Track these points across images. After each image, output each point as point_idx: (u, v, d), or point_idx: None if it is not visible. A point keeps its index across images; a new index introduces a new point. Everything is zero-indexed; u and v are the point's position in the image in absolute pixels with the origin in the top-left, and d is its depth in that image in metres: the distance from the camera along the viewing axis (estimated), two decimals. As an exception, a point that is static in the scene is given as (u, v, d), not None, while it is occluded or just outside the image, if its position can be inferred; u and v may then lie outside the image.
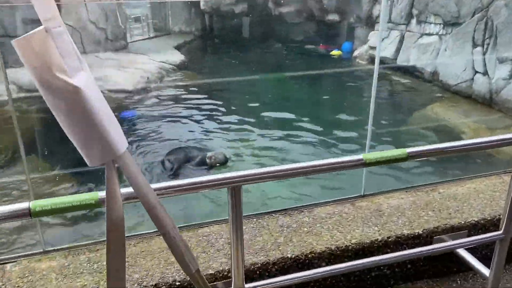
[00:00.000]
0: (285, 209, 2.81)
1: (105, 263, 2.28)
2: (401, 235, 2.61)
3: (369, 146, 3.12)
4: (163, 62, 10.75)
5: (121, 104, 8.64)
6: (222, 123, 7.86)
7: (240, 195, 1.69)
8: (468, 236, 2.77)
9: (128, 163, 1.18)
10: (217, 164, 6.32)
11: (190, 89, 9.71)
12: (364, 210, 2.83)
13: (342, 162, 1.77)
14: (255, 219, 2.71)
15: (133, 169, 1.19)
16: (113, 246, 1.27)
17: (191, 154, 6.94)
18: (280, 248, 2.45)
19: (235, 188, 1.67)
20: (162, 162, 6.66)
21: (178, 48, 14.02)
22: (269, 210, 2.76)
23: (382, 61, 12.36)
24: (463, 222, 2.73)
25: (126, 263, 2.30)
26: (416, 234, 2.63)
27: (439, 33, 10.40)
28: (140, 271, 2.26)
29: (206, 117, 8.24)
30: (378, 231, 2.62)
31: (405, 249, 2.63)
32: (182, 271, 2.26)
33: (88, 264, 2.31)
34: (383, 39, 12.60)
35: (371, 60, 12.79)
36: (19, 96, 8.82)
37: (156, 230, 2.57)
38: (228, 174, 1.66)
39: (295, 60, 13.31)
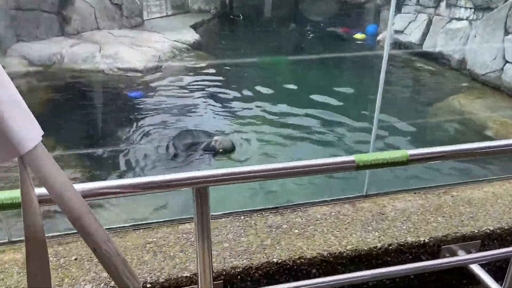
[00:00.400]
0: (276, 207, 2.59)
1: (73, 257, 2.12)
2: (404, 242, 2.36)
3: (374, 141, 2.84)
4: (176, 41, 10.53)
5: (129, 84, 8.50)
6: (232, 107, 7.62)
7: (206, 197, 1.47)
8: (482, 246, 2.50)
9: (40, 162, 0.96)
10: (221, 150, 6.11)
11: (201, 70, 9.47)
12: (365, 212, 2.58)
13: (329, 164, 1.52)
14: (242, 217, 2.51)
15: (47, 169, 0.98)
16: (33, 253, 1.08)
17: (198, 138, 6.76)
18: (265, 251, 2.24)
19: (200, 189, 1.45)
20: (167, 146, 6.51)
21: (194, 27, 13.75)
22: (258, 208, 2.55)
23: (407, 46, 11.84)
24: (476, 231, 2.46)
25: (96, 259, 2.14)
26: (422, 242, 2.38)
27: (470, 18, 9.83)
28: (108, 270, 2.09)
29: (216, 99, 8.01)
30: (379, 237, 2.38)
31: (407, 258, 2.39)
32: (155, 272, 2.08)
33: (55, 259, 2.15)
34: (409, 22, 12.05)
35: (395, 44, 12.27)
36: (29, 71, 8.78)
37: (135, 223, 2.40)
38: (193, 173, 1.44)
39: (314, 43, 12.89)
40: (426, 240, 2.39)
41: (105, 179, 4.99)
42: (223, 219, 2.49)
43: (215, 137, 6.50)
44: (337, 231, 2.41)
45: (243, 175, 1.48)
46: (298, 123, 6.85)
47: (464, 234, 2.44)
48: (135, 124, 6.90)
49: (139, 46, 9.68)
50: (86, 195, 1.34)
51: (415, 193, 2.78)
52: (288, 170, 1.49)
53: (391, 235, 2.40)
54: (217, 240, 2.31)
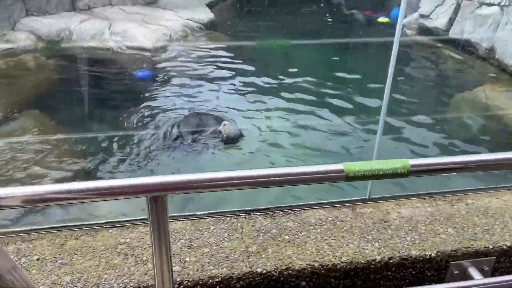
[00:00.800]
0: (267, 208, 2.37)
1: (35, 257, 1.96)
2: (407, 256, 2.13)
3: (379, 147, 2.58)
4: (189, 19, 10.25)
5: (137, 63, 8.31)
6: (245, 91, 7.35)
7: (163, 206, 1.26)
8: (496, 263, 2.25)
9: None
10: (225, 136, 5.87)
11: (214, 51, 9.19)
12: (365, 218, 2.35)
13: (309, 173, 1.29)
14: (228, 218, 2.30)
15: None
16: None
17: (207, 122, 6.54)
18: (249, 259, 2.04)
19: (156, 198, 1.24)
20: (171, 129, 6.33)
21: (210, 5, 13.41)
22: (246, 208, 2.33)
23: (432, 32, 11.31)
24: (491, 247, 2.20)
25: (60, 260, 1.97)
26: (428, 257, 2.14)
27: (501, 4, 9.27)
28: (73, 272, 1.92)
29: (229, 83, 7.76)
30: (379, 248, 2.15)
31: (410, 274, 2.15)
32: (124, 278, 1.91)
33: (16, 257, 1.99)
34: (436, 6, 11.50)
35: (420, 30, 11.74)
36: (36, 46, 8.67)
37: (107, 221, 2.22)
38: (147, 180, 1.23)
39: (332, 26, 12.44)
40: (433, 255, 2.14)
41: (95, 169, 4.84)
42: (207, 219, 2.29)
43: (224, 122, 6.27)
44: (332, 239, 2.19)
45: (207, 183, 1.27)
46: (313, 112, 6.55)
47: (477, 249, 2.19)
48: (140, 106, 6.73)
49: (150, 24, 9.45)
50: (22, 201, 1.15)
51: (424, 198, 2.53)
52: (260, 180, 1.26)
53: (393, 246, 2.16)
54: (197, 244, 2.11)
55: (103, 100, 7.06)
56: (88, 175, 4.76)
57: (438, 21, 11.04)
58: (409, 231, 2.26)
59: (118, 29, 9.00)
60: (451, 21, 10.79)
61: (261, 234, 2.19)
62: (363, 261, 2.08)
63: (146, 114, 6.49)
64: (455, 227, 2.31)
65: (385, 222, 2.32)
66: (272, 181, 1.28)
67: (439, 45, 10.62)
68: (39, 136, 5.45)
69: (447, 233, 2.27)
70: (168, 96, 7.29)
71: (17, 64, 8.16)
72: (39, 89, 7.07)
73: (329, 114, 6.38)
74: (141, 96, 7.18)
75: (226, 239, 2.15)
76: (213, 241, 2.13)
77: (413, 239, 2.22)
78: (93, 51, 8.72)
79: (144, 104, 6.80)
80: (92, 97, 7.07)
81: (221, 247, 2.11)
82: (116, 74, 8.06)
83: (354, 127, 5.96)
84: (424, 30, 11.60)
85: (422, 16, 11.92)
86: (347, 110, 6.54)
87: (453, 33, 10.45)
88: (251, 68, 8.28)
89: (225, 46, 9.70)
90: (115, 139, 5.60)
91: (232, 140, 5.89)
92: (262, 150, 5.57)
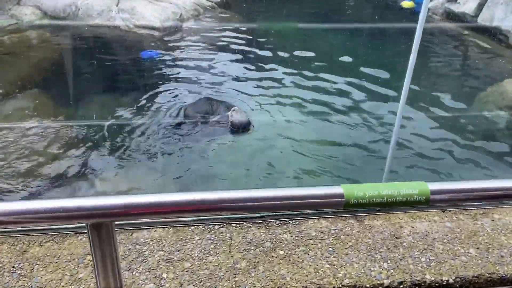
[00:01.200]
0: (262, 217, 2.11)
1: (-7, 266, 1.74)
2: (421, 281, 1.86)
3: (392, 158, 2.28)
4: (202, -3, 9.89)
5: (144, 42, 8.03)
6: (260, 77, 7.00)
7: (109, 234, 1.01)
8: (525, 292, 1.97)
9: None
10: (232, 121, 5.58)
11: (226, 32, 8.84)
12: (374, 232, 2.07)
13: (300, 197, 1.03)
14: (216, 227, 2.05)
15: None
16: None
17: (215, 108, 6.26)
18: (236, 278, 1.79)
19: (99, 225, 0.99)
20: (177, 114, 6.08)
21: (225, -17, 12.98)
22: (237, 216, 2.08)
23: (460, 17, 10.76)
24: (520, 274, 1.91)
25: (19, 271, 1.75)
26: (445, 283, 1.87)
27: (538, -12, 8.68)
28: (32, 285, 1.70)
29: (241, 66, 7.42)
30: (388, 270, 1.88)
31: (423, 302, 1.88)
32: (90, 294, 1.68)
33: (-29, 266, 1.78)
34: (465, -9, 10.90)
35: (447, 15, 11.18)
36: (42, 22, 8.46)
37: (77, 225, 1.99)
38: (89, 201, 0.98)
39: (352, 9, 11.93)
40: (451, 280, 1.87)
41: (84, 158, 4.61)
42: (192, 227, 2.05)
43: (233, 108, 5.98)
44: (334, 257, 1.92)
45: (170, 207, 1.01)
46: (328, 101, 6.19)
47: (503, 276, 1.90)
48: (144, 88, 6.48)
49: (160, 1, 9.12)
50: None
51: (443, 211, 2.23)
52: (229, 204, 1.00)
53: (405, 269, 1.89)
54: (177, 257, 1.87)
55: (106, 80, 6.83)
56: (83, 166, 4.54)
57: (466, 6, 10.48)
58: (424, 251, 1.98)
59: (126, 6, 8.71)
60: (480, 7, 10.22)
61: (252, 248, 1.94)
62: (368, 285, 1.82)
63: (150, 96, 6.24)
64: (478, 248, 2.02)
65: (396, 238, 2.05)
66: (240, 207, 1.01)
67: (466, 32, 10.08)
68: (34, 118, 5.25)
69: (469, 254, 1.99)
70: (174, 78, 7.01)
71: (21, 40, 7.97)
72: (40, 68, 6.86)
73: (344, 103, 6.03)
74: (147, 77, 6.92)
75: (211, 252, 1.91)
76: (196, 254, 1.89)
77: (428, 260, 1.94)
78: (100, 29, 8.46)
79: (149, 86, 6.54)
80: (95, 78, 6.83)
81: (205, 262, 1.86)
82: (122, 53, 7.80)
83: (369, 120, 5.61)
84: (450, 16, 11.04)
85: (449, 0, 11.35)
86: (363, 100, 6.17)
87: (482, 20, 9.89)
88: (266, 52, 7.92)
89: (238, 27, 9.33)
90: (114, 127, 5.37)
91: (240, 128, 5.61)
92: (271, 141, 5.26)
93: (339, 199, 1.03)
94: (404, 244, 2.01)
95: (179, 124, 5.63)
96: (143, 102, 6.08)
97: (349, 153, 4.99)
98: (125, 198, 0.98)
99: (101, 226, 0.98)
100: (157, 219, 1.04)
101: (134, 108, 5.87)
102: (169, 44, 8.09)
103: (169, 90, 6.58)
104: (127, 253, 1.87)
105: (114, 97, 6.32)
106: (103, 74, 7.20)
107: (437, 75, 7.36)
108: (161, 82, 6.78)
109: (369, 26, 9.78)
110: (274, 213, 2.13)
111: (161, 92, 6.52)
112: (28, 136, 4.97)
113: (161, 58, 7.73)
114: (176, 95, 6.53)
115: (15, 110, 5.76)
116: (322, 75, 7.01)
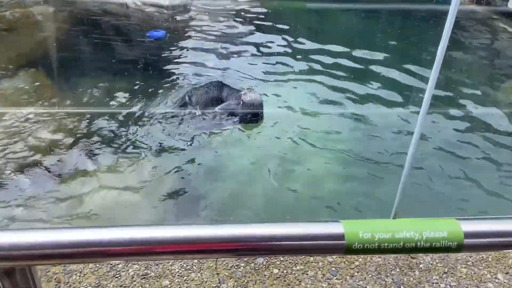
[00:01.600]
0: (256, 227, 1.86)
1: None
2: (438, 312, 1.60)
3: (409, 168, 2.00)
4: (213, -26, 9.51)
5: (152, 21, 7.75)
6: (275, 61, 6.66)
7: (27, 281, 0.77)
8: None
9: None
10: (243, 103, 5.24)
11: (241, 12, 8.50)
12: (386, 251, 1.81)
13: (288, 238, 0.78)
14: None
15: None
16: None
17: (225, 93, 5.96)
18: (221, 302, 1.56)
19: (9, 272, 0.75)
20: (182, 99, 5.82)
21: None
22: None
23: (489, 1, 10.22)
24: (558, 307, 1.64)
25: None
26: (466, 315, 1.61)
27: None
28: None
29: (252, 49, 7.11)
30: (400, 297, 1.63)
31: (440, 336, 1.63)
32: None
33: None
34: (496, -28, 10.31)
35: (475, -1, 10.63)
36: (47, -2, 8.22)
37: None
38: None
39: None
40: (475, 313, 1.61)
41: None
42: (176, 236, 1.81)
43: (249, 87, 5.67)
44: (337, 279, 1.67)
45: (106, 247, 0.76)
46: (346, 89, 5.84)
47: (538, 309, 1.63)
48: (150, 70, 6.23)
49: (170, -22, 8.80)
50: None
51: (468, 226, 1.95)
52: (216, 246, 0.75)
53: (420, 296, 1.63)
54: (155, 273, 1.64)
55: (111, 61, 6.59)
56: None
57: (497, -11, 9.92)
58: (444, 275, 1.72)
59: (135, -18, 8.41)
60: (512, -10, 9.67)
61: (242, 264, 1.70)
62: (376, 316, 1.57)
63: (156, 79, 5.99)
64: (507, 273, 1.75)
65: (412, 258, 1.78)
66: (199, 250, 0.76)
67: (495, 17, 9.57)
68: (33, 100, 5.05)
69: (496, 281, 1.72)
70: (181, 60, 6.74)
71: (24, 17, 7.76)
72: (40, 46, 6.66)
73: (361, 94, 5.69)
74: (153, 58, 6.66)
75: (194, 268, 1.67)
76: (176, 270, 1.66)
77: (449, 287, 1.68)
78: (107, 6, 8.20)
79: (155, 67, 6.29)
80: (99, 58, 6.61)
81: (186, 279, 1.63)
82: (128, 33, 7.54)
83: (389, 116, 5.26)
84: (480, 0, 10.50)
85: (478, -18, 10.77)
86: (382, 92, 5.81)
87: (513, 4, 9.36)
88: (281, 34, 7.57)
89: (253, 6, 8.98)
90: (119, 114, 5.13)
91: (252, 108, 5.27)
92: (284, 132, 4.94)
93: (340, 242, 0.77)
94: (421, 266, 1.75)
95: (184, 105, 5.38)
96: (146, 84, 5.84)
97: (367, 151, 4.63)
98: (49, 233, 0.74)
99: (11, 273, 0.74)
100: (92, 262, 0.80)
101: (136, 92, 5.63)
102: (177, 24, 7.81)
103: (172, 71, 6.33)
104: (97, 265, 1.65)
105: (115, 79, 6.07)
106: (106, 54, 6.96)
107: (460, 65, 6.94)
108: (165, 63, 6.52)
109: (399, 7, 9.28)
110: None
111: (164, 74, 6.26)
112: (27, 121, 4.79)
113: (168, 38, 7.46)
114: (179, 77, 6.27)
115: (15, 90, 5.57)
116: (339, 60, 6.67)
